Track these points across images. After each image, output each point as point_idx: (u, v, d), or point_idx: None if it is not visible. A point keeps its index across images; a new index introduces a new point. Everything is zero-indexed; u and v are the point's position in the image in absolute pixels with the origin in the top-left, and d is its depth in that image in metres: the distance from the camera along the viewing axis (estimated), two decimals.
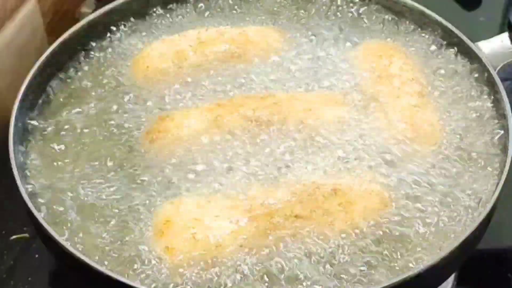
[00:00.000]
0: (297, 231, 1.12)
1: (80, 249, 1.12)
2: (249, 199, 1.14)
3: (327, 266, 1.11)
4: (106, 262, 1.12)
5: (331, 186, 1.16)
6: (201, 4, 1.49)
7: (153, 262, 1.11)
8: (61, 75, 1.37)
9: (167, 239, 1.11)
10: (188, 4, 1.48)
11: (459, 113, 1.30)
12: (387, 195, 1.18)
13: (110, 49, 1.41)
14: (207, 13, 1.48)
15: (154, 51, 1.37)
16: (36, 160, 1.25)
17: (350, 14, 1.47)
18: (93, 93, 1.34)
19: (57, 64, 1.36)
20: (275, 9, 1.49)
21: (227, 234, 1.11)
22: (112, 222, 1.17)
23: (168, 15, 1.47)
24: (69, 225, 1.17)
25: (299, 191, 1.15)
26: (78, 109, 1.32)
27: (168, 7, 1.48)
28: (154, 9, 1.47)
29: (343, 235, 1.13)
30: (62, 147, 1.27)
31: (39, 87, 1.32)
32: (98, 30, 1.42)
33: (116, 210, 1.18)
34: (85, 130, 1.29)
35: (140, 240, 1.14)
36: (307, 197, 1.14)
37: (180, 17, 1.47)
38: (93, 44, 1.41)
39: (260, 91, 1.32)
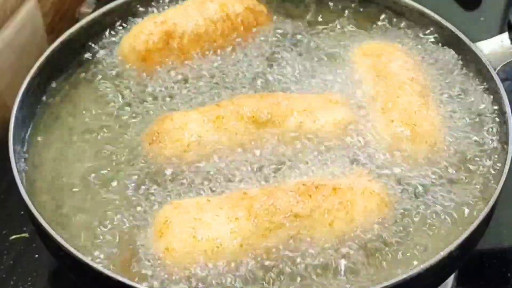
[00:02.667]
0: (297, 231, 1.12)
1: (80, 249, 1.12)
2: (249, 199, 1.14)
3: (327, 265, 1.12)
4: (106, 262, 1.12)
5: (331, 186, 1.16)
6: None
7: (153, 262, 1.11)
8: (61, 75, 1.37)
9: (167, 240, 1.11)
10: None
11: (459, 113, 1.30)
12: (387, 195, 1.18)
13: (110, 49, 1.40)
14: None
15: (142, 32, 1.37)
16: (36, 160, 1.25)
17: (350, 15, 1.47)
18: (93, 93, 1.34)
19: (57, 64, 1.36)
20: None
21: (227, 234, 1.11)
22: (112, 223, 1.17)
23: None
24: (69, 225, 1.17)
25: (299, 190, 1.15)
26: (78, 109, 1.32)
27: (168, 8, 1.48)
28: (154, 10, 1.47)
29: (343, 235, 1.13)
30: (63, 147, 1.27)
31: (39, 86, 1.32)
32: (98, 30, 1.42)
33: (116, 211, 1.18)
34: (85, 130, 1.29)
35: (141, 241, 1.14)
36: (307, 196, 1.14)
37: None
38: (93, 44, 1.41)
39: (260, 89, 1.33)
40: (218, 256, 1.10)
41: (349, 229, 1.14)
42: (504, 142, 1.25)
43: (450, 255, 1.10)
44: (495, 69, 1.32)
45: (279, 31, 1.44)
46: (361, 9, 1.48)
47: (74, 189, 1.21)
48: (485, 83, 1.33)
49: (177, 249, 1.10)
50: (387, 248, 1.14)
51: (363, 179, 1.18)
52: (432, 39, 1.41)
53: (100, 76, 1.36)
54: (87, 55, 1.40)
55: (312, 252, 1.12)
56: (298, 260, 1.12)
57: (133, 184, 1.21)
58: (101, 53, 1.40)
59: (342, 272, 1.11)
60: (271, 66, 1.37)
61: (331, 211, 1.14)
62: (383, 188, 1.18)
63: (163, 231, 1.12)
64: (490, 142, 1.27)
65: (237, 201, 1.14)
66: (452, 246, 1.10)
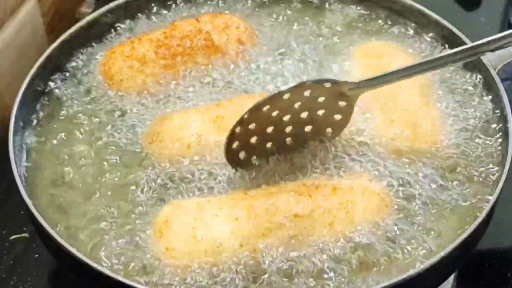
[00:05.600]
0: (298, 231, 1.12)
1: (80, 249, 1.12)
2: (249, 199, 1.14)
3: (327, 265, 1.11)
4: (105, 263, 1.12)
5: (331, 186, 1.16)
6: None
7: (153, 262, 1.11)
8: (61, 75, 1.37)
9: (167, 240, 1.11)
10: (191, 3, 1.49)
11: (459, 113, 1.30)
12: (387, 195, 1.18)
13: (110, 49, 1.40)
14: (205, 10, 1.48)
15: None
16: (36, 159, 1.25)
17: (349, 15, 1.47)
18: (93, 93, 1.34)
19: (57, 64, 1.36)
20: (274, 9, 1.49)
21: (227, 234, 1.11)
22: (112, 223, 1.17)
23: (168, 15, 1.47)
24: (69, 225, 1.17)
25: (299, 190, 1.15)
26: (78, 108, 1.32)
27: (168, 6, 1.48)
28: (154, 9, 1.47)
29: (343, 234, 1.13)
30: (63, 146, 1.27)
31: (39, 87, 1.32)
32: (98, 30, 1.42)
33: (117, 211, 1.18)
34: (86, 130, 1.29)
35: (141, 241, 1.14)
36: (307, 196, 1.14)
37: (178, 16, 1.47)
38: (93, 44, 1.41)
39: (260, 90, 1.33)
40: (218, 256, 1.10)
41: (349, 229, 1.14)
42: (504, 142, 1.24)
43: (450, 255, 1.10)
44: (495, 69, 1.32)
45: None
46: (361, 9, 1.47)
47: (74, 189, 1.21)
48: (485, 83, 1.33)
49: (177, 249, 1.10)
50: (387, 248, 1.14)
51: (363, 179, 1.18)
52: (432, 39, 1.41)
53: (100, 76, 1.36)
54: (87, 55, 1.40)
55: (312, 252, 1.12)
56: (298, 260, 1.11)
57: (133, 184, 1.21)
58: (101, 53, 1.40)
59: (342, 272, 1.11)
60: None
61: (331, 211, 1.14)
62: (383, 188, 1.18)
63: (163, 231, 1.12)
64: (490, 141, 1.27)
65: (237, 201, 1.14)
66: (452, 246, 1.10)
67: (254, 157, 1.21)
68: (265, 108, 1.16)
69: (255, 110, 1.16)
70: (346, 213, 1.14)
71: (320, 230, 1.13)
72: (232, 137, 1.17)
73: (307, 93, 1.17)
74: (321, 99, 1.19)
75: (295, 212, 1.13)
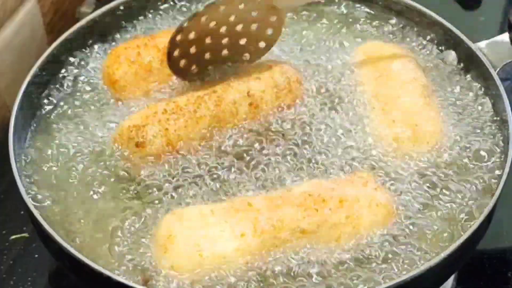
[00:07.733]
0: (304, 246, 1.11)
1: (80, 249, 1.12)
2: (254, 211, 1.12)
3: (334, 281, 1.10)
4: (105, 262, 1.12)
5: (337, 198, 1.14)
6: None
7: (158, 277, 1.10)
8: (61, 75, 1.37)
9: (172, 257, 1.09)
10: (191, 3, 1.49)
11: (460, 113, 1.30)
12: (392, 204, 1.17)
13: (110, 49, 1.40)
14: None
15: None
16: (36, 160, 1.25)
17: (350, 15, 1.47)
18: (93, 93, 1.34)
19: (57, 64, 1.36)
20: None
21: (232, 250, 1.09)
22: (113, 222, 1.17)
23: (168, 14, 1.47)
24: (69, 225, 1.17)
25: (305, 202, 1.13)
26: (78, 109, 1.32)
27: (168, 6, 1.48)
28: (154, 9, 1.47)
29: (349, 248, 1.12)
30: (63, 147, 1.27)
31: (39, 87, 1.32)
32: (98, 30, 1.42)
33: (116, 211, 1.18)
34: (85, 130, 1.29)
35: (142, 243, 1.14)
36: (314, 210, 1.12)
37: (178, 15, 1.47)
38: (93, 44, 1.41)
39: None
40: (224, 272, 1.08)
41: (355, 242, 1.13)
42: (504, 142, 1.25)
43: (451, 256, 1.09)
44: (495, 69, 1.32)
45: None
46: (362, 10, 1.47)
47: (74, 189, 1.21)
48: (485, 83, 1.33)
49: (182, 266, 1.08)
50: (392, 256, 1.13)
51: (368, 188, 1.17)
52: (432, 39, 1.41)
53: (100, 76, 1.36)
54: (87, 55, 1.40)
55: (317, 268, 1.11)
56: (304, 274, 1.10)
57: (133, 185, 1.21)
58: (101, 53, 1.40)
59: (349, 284, 1.10)
60: None
61: (337, 226, 1.12)
62: (388, 197, 1.17)
63: (167, 246, 1.09)
64: (491, 142, 1.27)
65: (242, 214, 1.11)
66: (452, 247, 1.10)
67: (194, 66, 1.28)
68: (203, 19, 1.23)
69: (194, 19, 1.23)
70: (352, 228, 1.13)
71: (326, 244, 1.12)
72: (173, 44, 1.24)
73: (241, 6, 1.24)
74: (254, 13, 1.26)
75: (302, 228, 1.11)
